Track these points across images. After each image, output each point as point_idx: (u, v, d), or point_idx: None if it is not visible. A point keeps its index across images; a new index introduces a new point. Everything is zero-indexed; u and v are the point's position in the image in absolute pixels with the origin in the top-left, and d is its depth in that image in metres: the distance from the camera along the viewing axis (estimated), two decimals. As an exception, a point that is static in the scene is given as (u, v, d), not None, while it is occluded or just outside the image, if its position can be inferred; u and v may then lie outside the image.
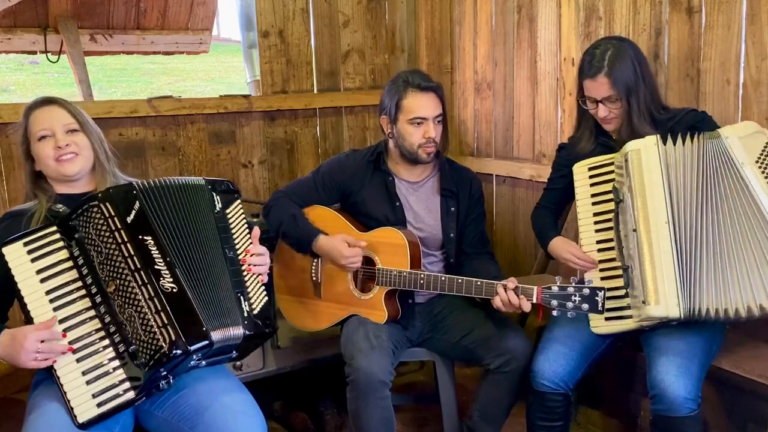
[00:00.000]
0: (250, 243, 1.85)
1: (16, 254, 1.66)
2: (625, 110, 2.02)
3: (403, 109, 2.22)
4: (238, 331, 1.71)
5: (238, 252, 1.81)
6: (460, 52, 3.31)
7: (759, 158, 1.87)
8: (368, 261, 2.26)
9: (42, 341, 1.60)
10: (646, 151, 1.93)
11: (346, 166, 2.37)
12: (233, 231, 1.83)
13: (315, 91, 3.35)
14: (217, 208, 1.82)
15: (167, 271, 1.66)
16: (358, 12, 3.42)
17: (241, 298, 1.76)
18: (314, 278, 2.36)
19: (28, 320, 1.65)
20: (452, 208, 2.31)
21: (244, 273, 1.80)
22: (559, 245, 2.14)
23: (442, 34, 3.40)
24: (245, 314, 1.74)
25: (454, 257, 2.32)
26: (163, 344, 1.58)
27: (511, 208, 3.15)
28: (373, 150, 2.37)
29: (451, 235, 2.30)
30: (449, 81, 3.38)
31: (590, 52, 2.05)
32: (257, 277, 1.83)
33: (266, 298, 1.83)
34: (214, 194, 1.83)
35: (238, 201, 1.88)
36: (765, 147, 1.87)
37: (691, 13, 2.31)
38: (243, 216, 1.87)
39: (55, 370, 1.62)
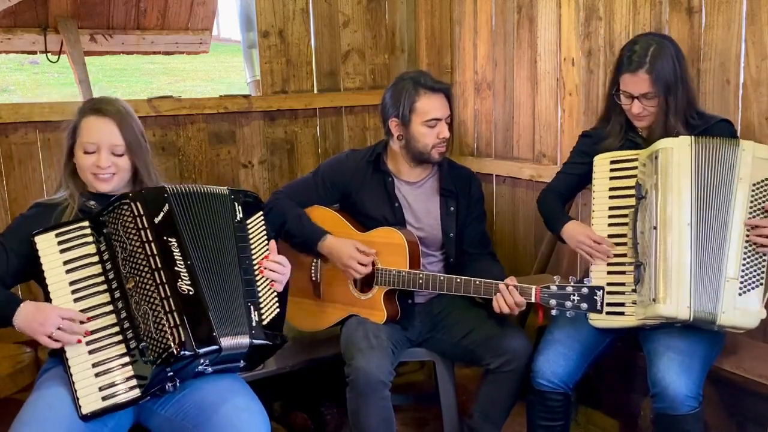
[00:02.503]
0: (268, 251, 1.87)
1: (47, 243, 1.72)
2: (662, 109, 1.99)
3: (417, 111, 2.20)
4: (244, 340, 1.73)
5: (254, 261, 1.84)
6: (460, 52, 3.31)
7: (759, 183, 1.87)
8: (368, 261, 2.26)
9: (63, 319, 1.64)
10: (679, 151, 1.91)
11: (345, 166, 2.37)
12: (251, 241, 1.86)
13: (315, 91, 3.35)
14: (238, 218, 1.85)
15: (186, 274, 1.70)
16: (358, 12, 3.41)
17: (251, 307, 1.78)
18: (314, 278, 2.36)
19: None
20: (452, 208, 2.31)
21: (258, 282, 1.82)
22: (574, 228, 2.09)
23: (442, 34, 3.40)
24: (254, 324, 1.76)
25: (454, 257, 2.32)
26: (172, 344, 1.61)
27: (511, 208, 3.14)
28: (372, 150, 2.37)
29: (451, 234, 2.30)
30: (449, 81, 3.37)
31: (630, 47, 2.01)
32: (271, 287, 1.84)
33: (278, 309, 1.85)
34: (236, 204, 1.86)
35: (260, 213, 1.90)
36: None
37: (691, 13, 2.31)
38: (264, 228, 1.90)
39: (66, 359, 1.65)
